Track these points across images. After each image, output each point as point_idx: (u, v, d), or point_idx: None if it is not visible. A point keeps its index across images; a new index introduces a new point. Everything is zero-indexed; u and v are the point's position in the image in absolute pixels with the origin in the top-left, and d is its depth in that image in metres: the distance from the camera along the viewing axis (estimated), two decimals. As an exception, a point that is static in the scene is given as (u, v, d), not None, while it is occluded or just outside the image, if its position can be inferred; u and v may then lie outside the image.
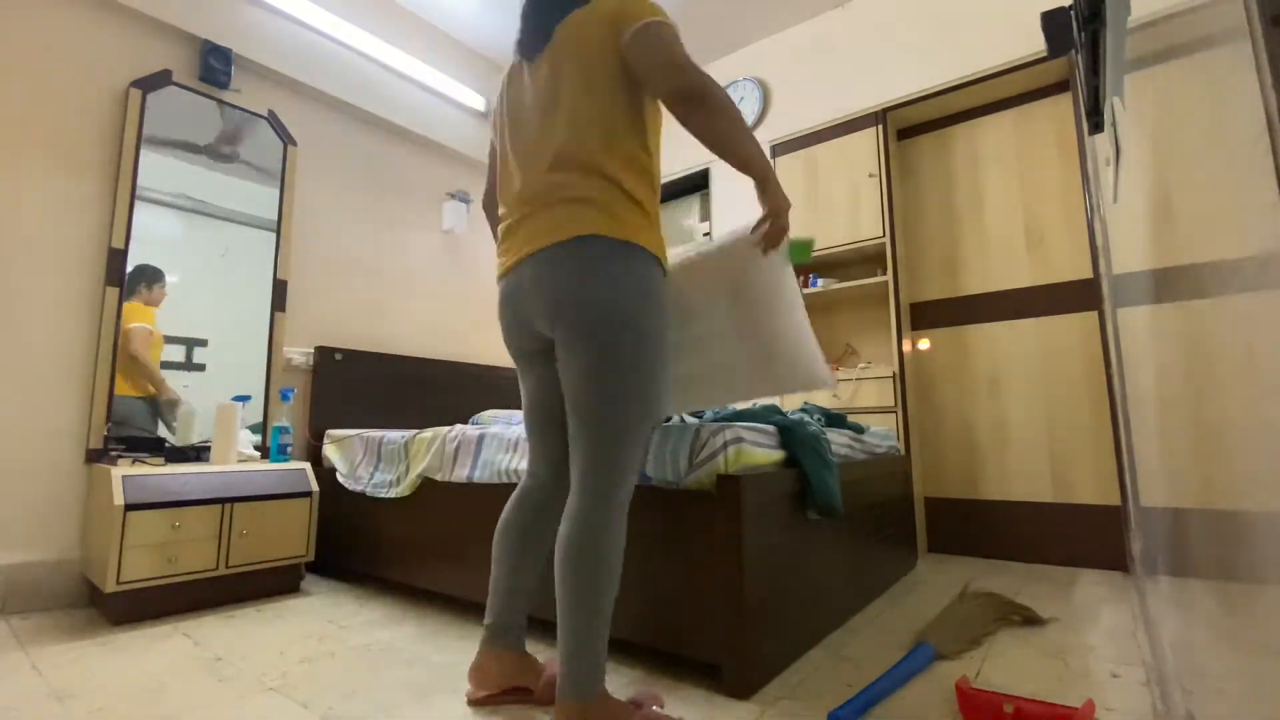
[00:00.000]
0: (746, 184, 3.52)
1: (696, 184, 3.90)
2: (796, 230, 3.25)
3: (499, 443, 1.86)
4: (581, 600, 1.07)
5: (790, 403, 3.01)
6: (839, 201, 3.10)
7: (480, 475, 1.86)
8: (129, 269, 2.29)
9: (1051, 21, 1.50)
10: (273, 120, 2.76)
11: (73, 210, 2.19)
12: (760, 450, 1.50)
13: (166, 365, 2.38)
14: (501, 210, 1.28)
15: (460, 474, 1.92)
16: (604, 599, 1.08)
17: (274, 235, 2.73)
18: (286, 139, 2.81)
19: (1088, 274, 2.61)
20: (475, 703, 1.26)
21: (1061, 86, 2.77)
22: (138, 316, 2.30)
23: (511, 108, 1.29)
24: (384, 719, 1.21)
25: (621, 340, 1.10)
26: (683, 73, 1.11)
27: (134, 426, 2.24)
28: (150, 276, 2.35)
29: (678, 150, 3.89)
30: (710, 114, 1.12)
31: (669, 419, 1.61)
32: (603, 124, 1.16)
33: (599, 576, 1.08)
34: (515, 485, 1.76)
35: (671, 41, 1.14)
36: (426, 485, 2.05)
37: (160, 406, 2.32)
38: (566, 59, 1.19)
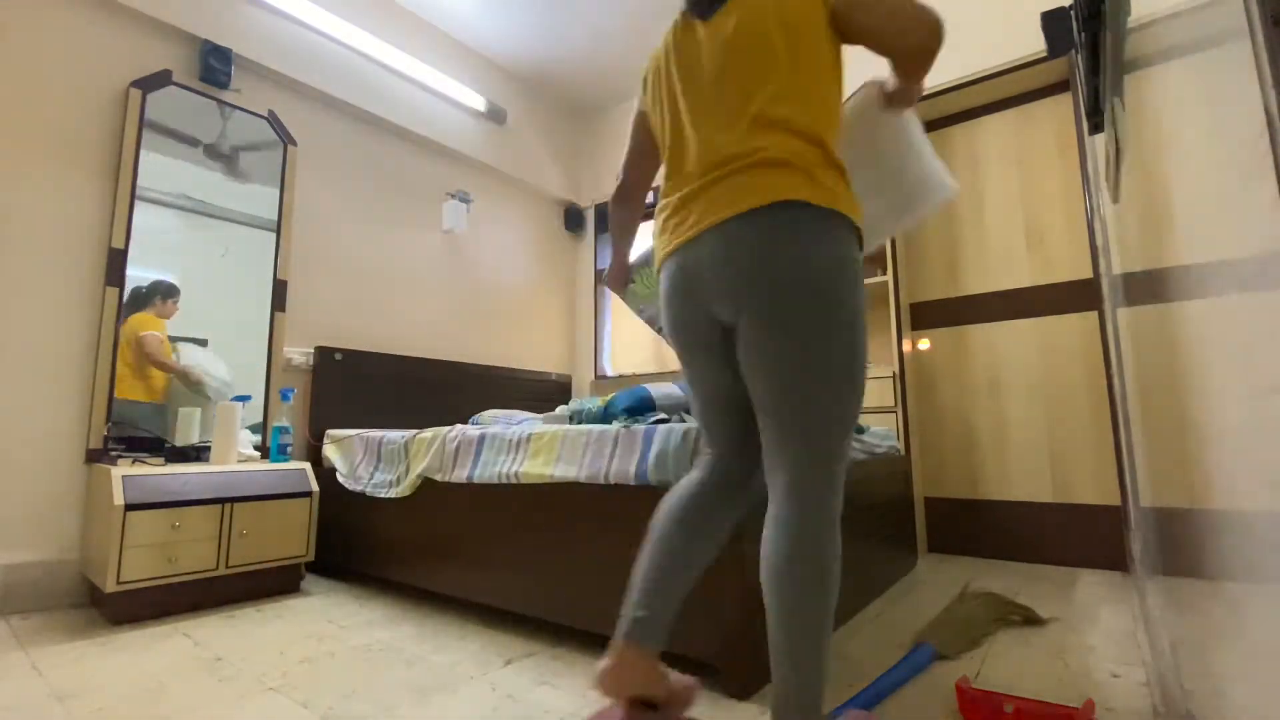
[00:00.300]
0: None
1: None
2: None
3: (500, 443, 1.86)
4: (811, 621, 0.94)
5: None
6: (839, 201, 3.09)
7: (480, 475, 1.86)
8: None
9: (1051, 21, 1.50)
10: (273, 120, 2.76)
11: (73, 210, 2.19)
12: (760, 450, 1.50)
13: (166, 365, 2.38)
14: (668, 184, 1.15)
15: (460, 474, 1.92)
16: (831, 616, 0.97)
17: (274, 235, 2.73)
18: (286, 139, 2.81)
19: (1088, 274, 2.61)
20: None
21: (1061, 86, 2.77)
22: (149, 327, 2.31)
23: (685, 69, 1.16)
24: (384, 719, 1.21)
25: (833, 321, 0.97)
26: (920, 24, 0.99)
27: (141, 429, 2.24)
28: (166, 291, 2.37)
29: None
30: (930, 59, 1.02)
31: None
32: (806, 81, 1.04)
33: (830, 594, 0.96)
34: (514, 485, 1.76)
35: None
36: (426, 485, 2.05)
37: (167, 411, 2.32)
38: (759, 13, 1.06)
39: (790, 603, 0.95)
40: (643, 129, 1.32)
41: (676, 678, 1.14)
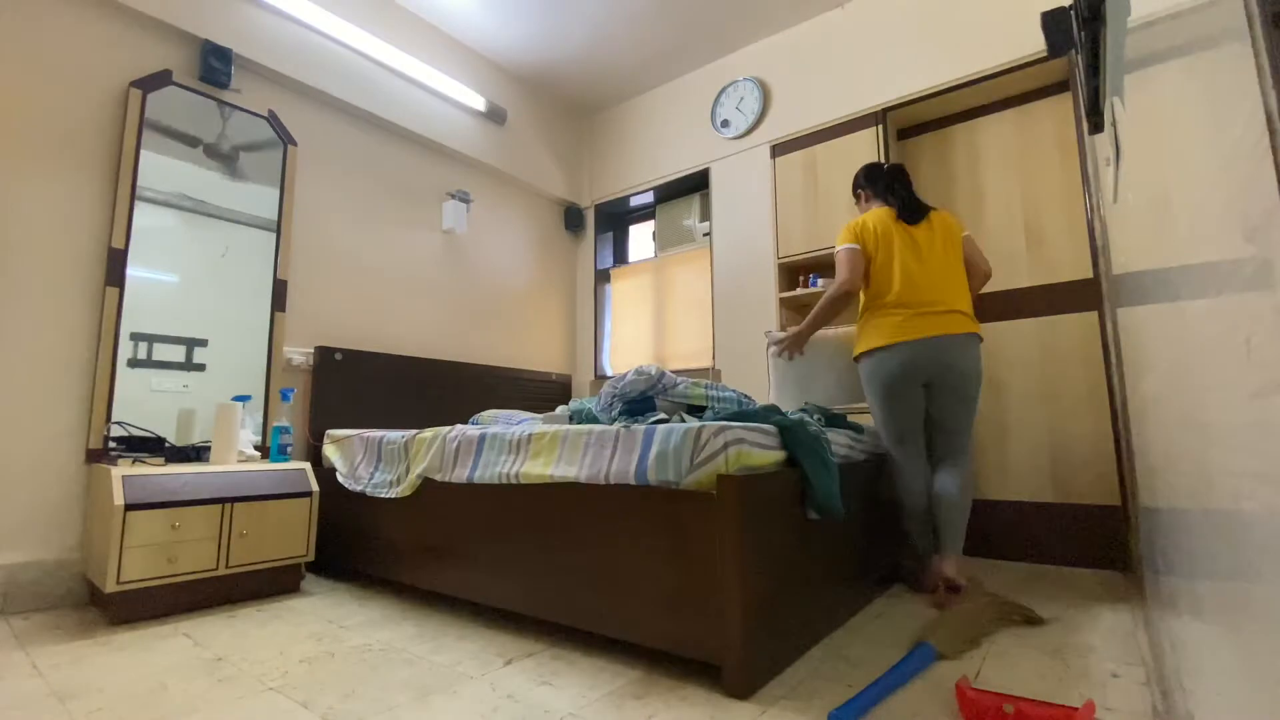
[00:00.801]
0: (746, 185, 3.53)
1: (696, 184, 3.90)
2: (799, 230, 3.25)
3: (500, 443, 1.86)
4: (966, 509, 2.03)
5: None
6: (839, 201, 3.09)
7: (481, 476, 1.86)
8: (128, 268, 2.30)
9: (1051, 21, 1.50)
10: (273, 120, 2.76)
11: (73, 210, 2.19)
12: (760, 451, 1.50)
13: (167, 365, 2.38)
14: (899, 299, 2.07)
15: (460, 474, 1.92)
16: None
17: (274, 235, 2.73)
18: (286, 139, 2.81)
19: (1088, 274, 2.61)
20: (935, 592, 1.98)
21: (1061, 86, 2.77)
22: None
23: (900, 241, 2.12)
24: (384, 719, 1.21)
25: (974, 392, 2.10)
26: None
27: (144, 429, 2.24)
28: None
29: (677, 149, 3.89)
30: None
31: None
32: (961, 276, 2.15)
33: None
34: (514, 486, 1.76)
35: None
36: (427, 485, 2.05)
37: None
38: (947, 232, 2.16)
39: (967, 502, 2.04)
40: (862, 259, 2.16)
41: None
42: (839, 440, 1.94)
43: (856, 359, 2.18)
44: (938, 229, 2.12)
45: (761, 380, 3.28)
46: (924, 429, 2.10)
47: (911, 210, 2.15)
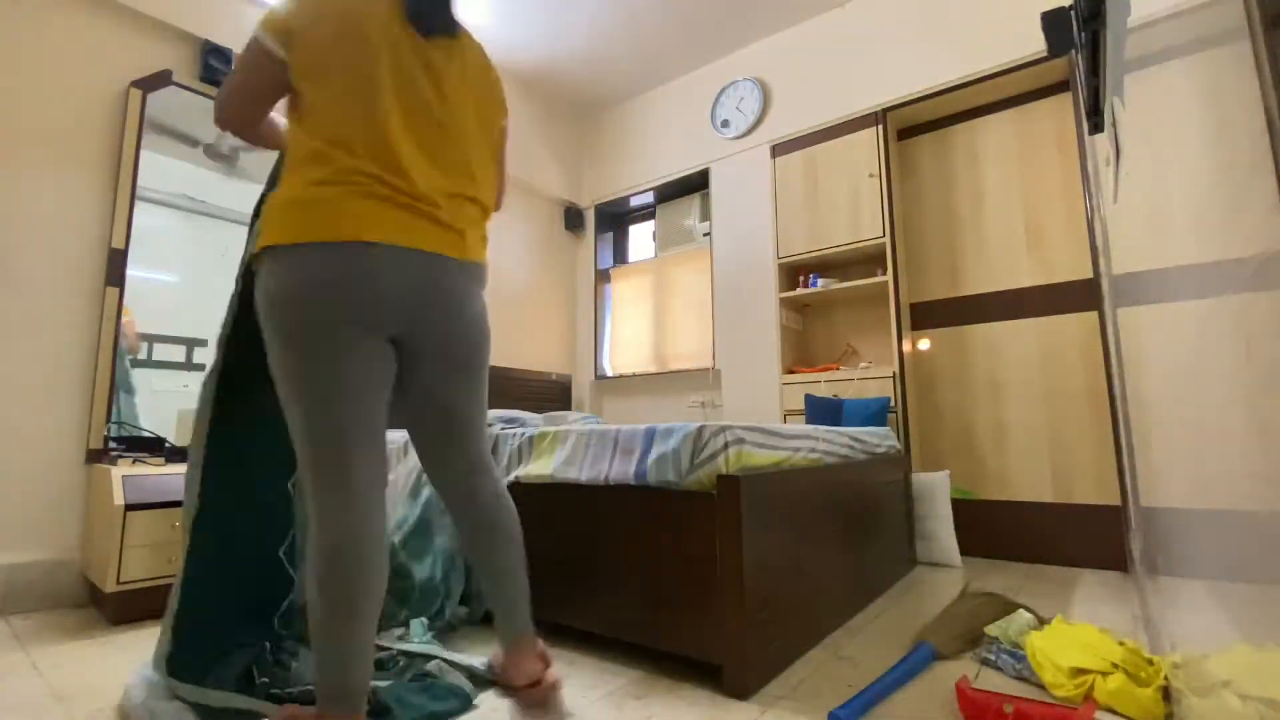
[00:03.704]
0: (746, 185, 3.52)
1: (696, 184, 3.90)
2: (799, 230, 3.25)
3: (502, 445, 1.86)
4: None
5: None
6: (839, 201, 3.10)
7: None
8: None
9: (1051, 21, 1.50)
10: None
11: (73, 210, 2.19)
12: (761, 451, 1.50)
13: (167, 365, 2.38)
14: (374, 158, 1.08)
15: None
16: None
17: (274, 235, 2.73)
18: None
19: (1088, 274, 2.61)
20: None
21: (1061, 86, 2.77)
22: (138, 316, 2.30)
23: (399, 60, 1.11)
24: (384, 719, 1.21)
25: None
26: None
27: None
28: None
29: (677, 149, 3.89)
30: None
31: None
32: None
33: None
34: (514, 486, 1.76)
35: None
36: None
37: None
38: (479, 75, 1.26)
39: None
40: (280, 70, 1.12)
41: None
42: (838, 440, 1.94)
43: (249, 270, 1.33)
44: (472, 74, 1.22)
45: (762, 380, 3.28)
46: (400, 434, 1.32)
47: (429, 9, 1.15)
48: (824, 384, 3.00)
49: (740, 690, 1.28)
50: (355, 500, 1.02)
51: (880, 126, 3.01)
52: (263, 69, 1.11)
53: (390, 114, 1.08)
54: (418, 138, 1.11)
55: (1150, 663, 1.23)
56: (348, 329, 1.03)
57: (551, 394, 4.00)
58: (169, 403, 2.35)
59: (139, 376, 2.31)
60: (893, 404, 2.77)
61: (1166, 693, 1.15)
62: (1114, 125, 1.13)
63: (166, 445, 2.26)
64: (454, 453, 1.22)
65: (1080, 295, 2.62)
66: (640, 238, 4.40)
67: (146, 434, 2.25)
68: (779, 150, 3.38)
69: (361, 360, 1.04)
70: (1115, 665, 1.22)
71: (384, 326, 1.07)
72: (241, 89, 1.16)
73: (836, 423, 2.76)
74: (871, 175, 2.99)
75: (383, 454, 1.09)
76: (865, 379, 2.87)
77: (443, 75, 1.16)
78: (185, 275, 2.44)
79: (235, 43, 2.62)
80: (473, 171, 1.20)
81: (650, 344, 4.05)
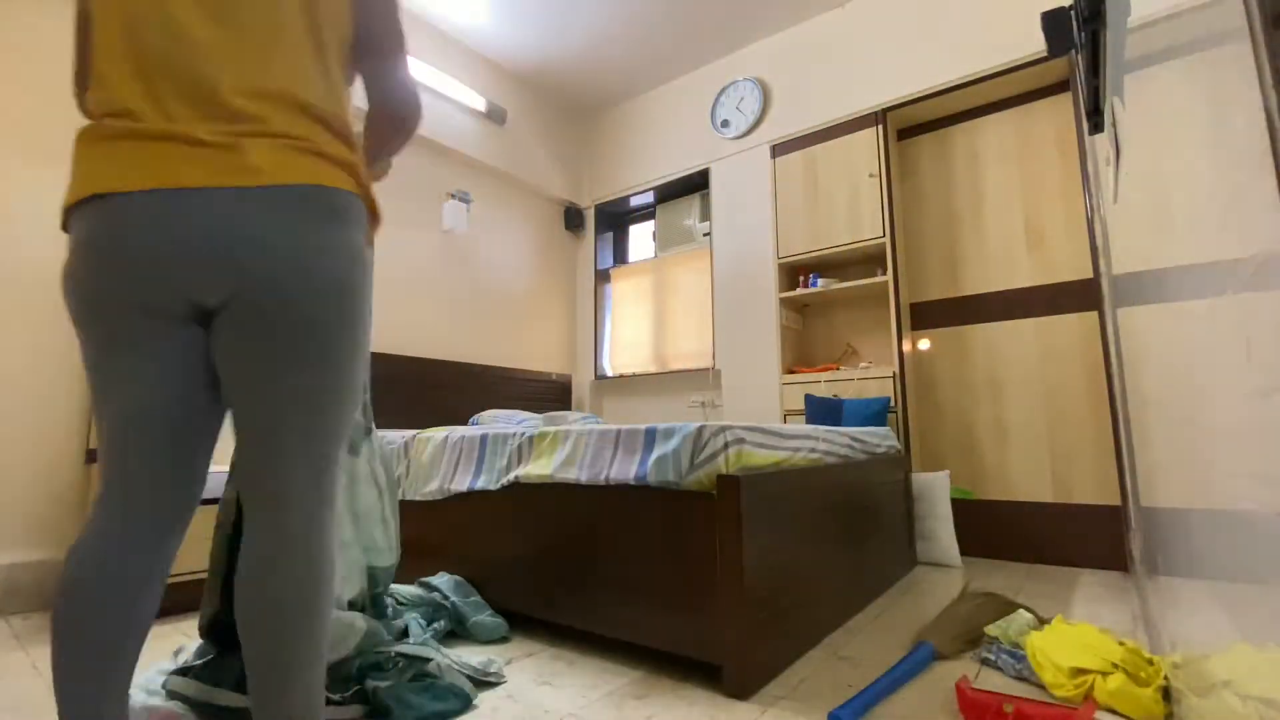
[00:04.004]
0: (746, 185, 3.53)
1: (696, 184, 3.90)
2: (799, 230, 3.25)
3: (501, 445, 1.86)
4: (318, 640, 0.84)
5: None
6: (839, 201, 3.10)
7: (484, 479, 1.86)
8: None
9: (1051, 21, 1.50)
10: (273, 120, 2.76)
11: (73, 210, 2.19)
12: (761, 451, 1.50)
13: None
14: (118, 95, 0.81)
15: (463, 479, 1.92)
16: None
17: (274, 235, 2.72)
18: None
19: (1088, 274, 2.61)
20: None
21: (1061, 86, 2.77)
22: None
23: None
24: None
25: None
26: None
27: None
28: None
29: (677, 149, 3.89)
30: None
31: None
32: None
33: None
34: (514, 485, 1.76)
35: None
36: (426, 485, 2.05)
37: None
38: None
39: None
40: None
41: None
42: (838, 440, 1.94)
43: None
44: None
45: (762, 380, 3.28)
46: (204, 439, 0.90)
47: None
48: (824, 384, 3.00)
49: (740, 690, 1.28)
50: (107, 516, 0.84)
51: (880, 126, 3.01)
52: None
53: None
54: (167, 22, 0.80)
55: (1150, 663, 1.23)
56: (107, 310, 0.80)
57: (551, 394, 4.00)
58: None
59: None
60: (893, 404, 2.77)
61: (1166, 693, 1.15)
62: (1114, 125, 1.13)
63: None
64: (260, 475, 0.84)
65: (1080, 295, 2.62)
66: (640, 238, 4.40)
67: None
68: (779, 150, 3.38)
69: (128, 349, 0.81)
70: (1115, 665, 1.22)
71: (161, 301, 0.79)
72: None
73: (836, 423, 2.76)
74: (871, 175, 2.99)
75: (178, 474, 0.86)
76: (865, 379, 2.87)
77: None
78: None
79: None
80: (286, 66, 0.84)
81: (650, 344, 4.05)
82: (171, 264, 0.77)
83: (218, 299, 0.80)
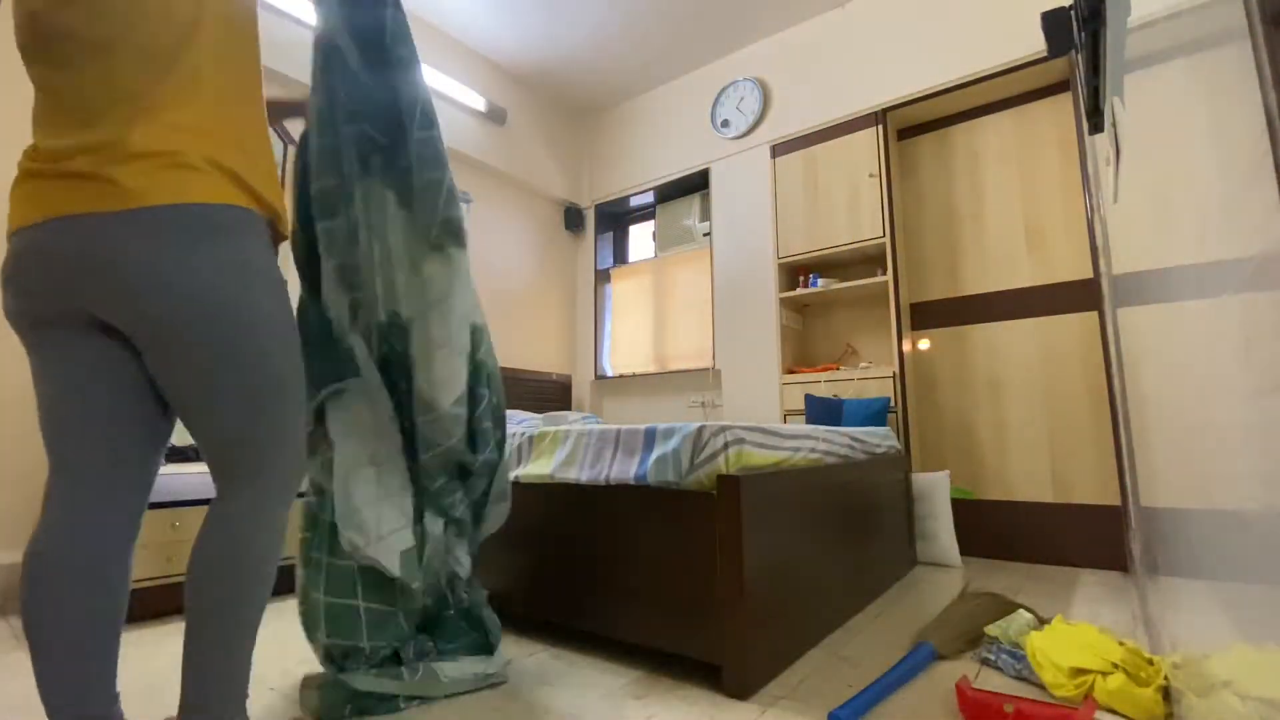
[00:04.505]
0: (746, 185, 3.53)
1: (696, 184, 3.90)
2: (799, 230, 3.25)
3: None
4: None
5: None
6: (839, 201, 3.10)
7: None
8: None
9: (1051, 21, 1.50)
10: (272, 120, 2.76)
11: (73, 210, 2.19)
12: (761, 451, 1.50)
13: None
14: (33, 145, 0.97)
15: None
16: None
17: (274, 235, 2.73)
18: (286, 139, 2.80)
19: (1088, 274, 2.61)
20: None
21: (1061, 86, 2.77)
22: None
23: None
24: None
25: None
26: None
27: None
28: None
29: (677, 149, 3.89)
30: None
31: None
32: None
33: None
34: (515, 485, 1.76)
35: None
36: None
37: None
38: None
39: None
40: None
41: None
42: (838, 440, 1.94)
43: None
44: None
45: (762, 380, 3.28)
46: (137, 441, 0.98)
47: None
48: (824, 384, 3.00)
49: (740, 690, 1.28)
50: (50, 512, 0.92)
51: (880, 126, 3.01)
52: None
53: (22, 43, 0.93)
54: (44, 62, 0.92)
55: (1150, 663, 1.24)
56: (26, 323, 0.92)
57: (551, 394, 4.00)
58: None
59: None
60: (893, 404, 2.77)
61: (1166, 693, 1.15)
62: (1114, 125, 1.13)
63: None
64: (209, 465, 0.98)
65: (1080, 295, 2.62)
66: (640, 238, 4.40)
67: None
68: (779, 150, 3.38)
69: (50, 359, 0.92)
70: (1115, 665, 1.22)
71: (67, 316, 0.90)
72: None
73: (836, 423, 2.76)
74: (871, 175, 2.99)
75: (99, 469, 0.94)
76: (865, 379, 2.87)
77: None
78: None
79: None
80: (150, 83, 0.89)
81: (650, 344, 4.06)
82: (60, 282, 0.88)
83: (108, 314, 0.89)
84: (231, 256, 0.92)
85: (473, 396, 1.36)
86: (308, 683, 1.25)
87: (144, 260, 0.86)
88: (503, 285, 3.84)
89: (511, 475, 1.77)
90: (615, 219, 4.47)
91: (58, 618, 0.89)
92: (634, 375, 4.00)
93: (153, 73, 0.90)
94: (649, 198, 4.15)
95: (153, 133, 0.88)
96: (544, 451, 1.74)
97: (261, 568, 0.97)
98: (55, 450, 0.93)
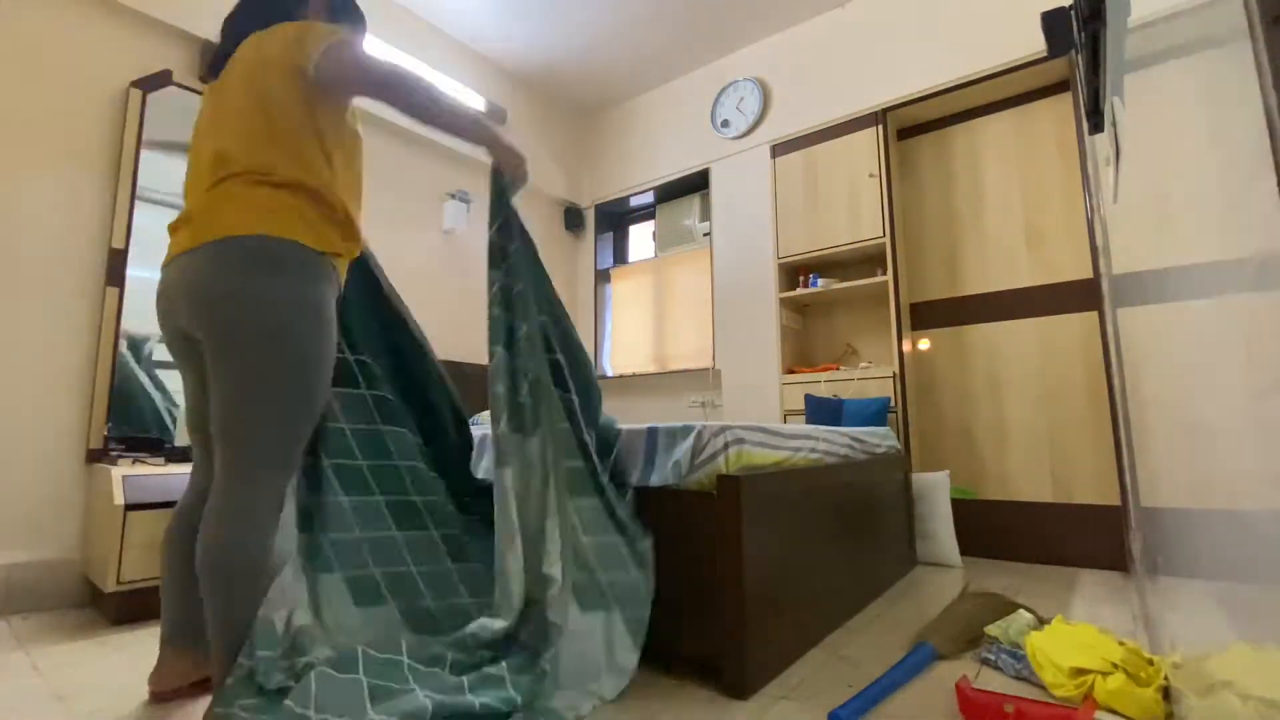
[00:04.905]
0: (746, 185, 3.52)
1: (696, 184, 3.90)
2: (799, 230, 3.25)
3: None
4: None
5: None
6: (839, 201, 3.10)
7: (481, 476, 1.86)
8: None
9: (1051, 21, 1.50)
10: (273, 120, 2.76)
11: (73, 210, 2.19)
12: (761, 451, 1.50)
13: (167, 365, 2.38)
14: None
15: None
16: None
17: (274, 235, 2.72)
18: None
19: (1088, 274, 2.61)
20: (158, 698, 1.28)
21: (1061, 86, 2.77)
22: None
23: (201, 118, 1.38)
24: (384, 719, 1.21)
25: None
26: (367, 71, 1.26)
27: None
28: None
29: (677, 149, 3.89)
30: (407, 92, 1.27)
31: None
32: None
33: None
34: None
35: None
36: (426, 485, 2.05)
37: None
38: (234, 84, 1.29)
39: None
40: None
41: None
42: (838, 440, 1.94)
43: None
44: (239, 68, 1.26)
45: (762, 380, 3.28)
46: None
47: (216, 63, 1.34)
48: (824, 384, 3.00)
49: (740, 690, 1.28)
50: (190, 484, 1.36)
51: (880, 126, 3.01)
52: None
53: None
54: (192, 162, 1.34)
55: (1150, 663, 1.23)
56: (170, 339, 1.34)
57: (551, 394, 4.00)
58: (169, 402, 2.35)
59: (142, 376, 2.31)
60: (893, 404, 2.77)
61: (1166, 693, 1.15)
62: (1114, 125, 1.13)
63: (166, 445, 2.26)
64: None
65: (1080, 295, 2.62)
66: (640, 238, 4.40)
67: (146, 434, 2.25)
68: (779, 150, 3.38)
69: (183, 366, 1.35)
70: (1115, 665, 1.22)
71: (182, 334, 1.29)
72: None
73: (836, 423, 2.76)
74: (871, 175, 2.99)
75: (202, 448, 1.34)
76: (865, 379, 2.87)
77: (204, 108, 1.33)
78: (185, 275, 2.44)
79: (235, 43, 2.61)
80: (225, 150, 1.21)
81: (650, 344, 4.05)
82: (173, 305, 1.28)
83: (199, 332, 1.21)
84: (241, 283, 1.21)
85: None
86: None
87: (205, 278, 1.21)
88: (503, 285, 3.84)
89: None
90: (615, 219, 4.47)
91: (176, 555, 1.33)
92: (634, 375, 4.00)
93: (242, 137, 1.28)
94: (649, 198, 4.15)
95: (240, 179, 1.26)
96: (544, 451, 1.73)
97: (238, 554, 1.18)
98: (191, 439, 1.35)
